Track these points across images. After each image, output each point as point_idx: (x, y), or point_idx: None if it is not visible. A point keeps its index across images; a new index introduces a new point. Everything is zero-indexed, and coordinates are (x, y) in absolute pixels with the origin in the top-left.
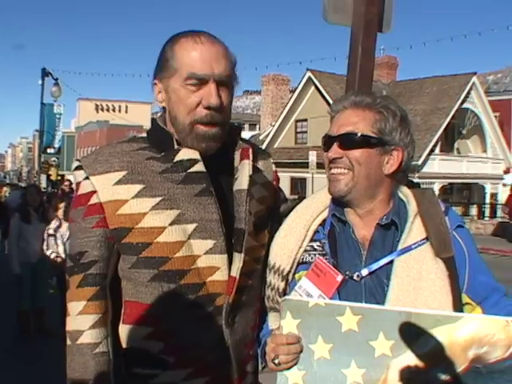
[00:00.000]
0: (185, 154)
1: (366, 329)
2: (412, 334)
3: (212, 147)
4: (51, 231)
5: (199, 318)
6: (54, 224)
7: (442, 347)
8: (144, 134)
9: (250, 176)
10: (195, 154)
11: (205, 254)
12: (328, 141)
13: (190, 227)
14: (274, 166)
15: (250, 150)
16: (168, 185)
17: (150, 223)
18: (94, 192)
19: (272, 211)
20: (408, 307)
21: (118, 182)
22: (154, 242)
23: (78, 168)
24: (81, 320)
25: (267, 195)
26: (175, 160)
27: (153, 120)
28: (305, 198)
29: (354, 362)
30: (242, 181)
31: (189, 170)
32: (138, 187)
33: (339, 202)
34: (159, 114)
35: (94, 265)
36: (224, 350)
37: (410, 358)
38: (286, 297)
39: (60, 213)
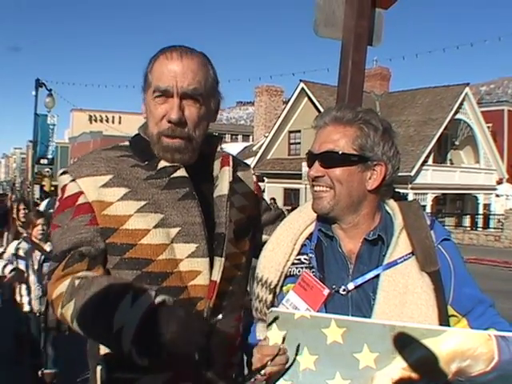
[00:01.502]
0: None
1: (350, 341)
2: (396, 346)
3: (178, 159)
4: (21, 252)
5: None
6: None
7: (426, 360)
8: (126, 143)
9: (230, 182)
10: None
11: (187, 257)
12: (310, 158)
13: (174, 231)
14: (254, 176)
15: (230, 158)
16: (152, 190)
17: (135, 225)
18: (82, 193)
19: (254, 220)
20: (393, 321)
21: (105, 185)
22: (138, 244)
23: (64, 173)
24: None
25: (248, 205)
26: (159, 167)
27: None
28: None
29: (338, 374)
30: (223, 187)
31: (172, 175)
32: (123, 191)
33: (324, 218)
34: (142, 124)
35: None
36: (205, 355)
37: (393, 371)
38: (273, 308)
39: (36, 231)
